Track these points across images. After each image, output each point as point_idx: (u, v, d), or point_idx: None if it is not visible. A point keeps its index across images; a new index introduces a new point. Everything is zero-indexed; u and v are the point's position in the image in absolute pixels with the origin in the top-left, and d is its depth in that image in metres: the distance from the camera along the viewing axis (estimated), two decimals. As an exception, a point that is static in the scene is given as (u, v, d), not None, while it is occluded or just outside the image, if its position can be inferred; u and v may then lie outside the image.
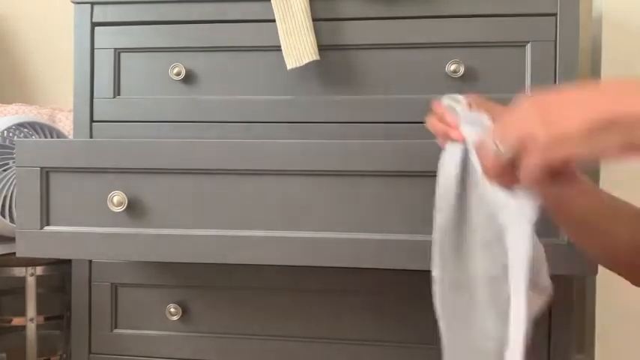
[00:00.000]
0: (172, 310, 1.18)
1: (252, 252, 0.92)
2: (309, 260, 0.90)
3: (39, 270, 1.32)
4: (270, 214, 0.92)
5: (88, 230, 0.94)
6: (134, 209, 0.94)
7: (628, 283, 0.73)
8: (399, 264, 0.88)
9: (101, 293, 1.21)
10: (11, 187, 1.27)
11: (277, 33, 1.13)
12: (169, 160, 0.93)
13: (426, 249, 0.82)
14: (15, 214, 1.28)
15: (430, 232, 0.72)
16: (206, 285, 1.18)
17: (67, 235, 0.95)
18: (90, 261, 1.21)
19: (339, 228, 0.90)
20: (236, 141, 0.92)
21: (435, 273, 0.69)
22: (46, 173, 0.96)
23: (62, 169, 0.96)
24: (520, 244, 0.56)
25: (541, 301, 0.58)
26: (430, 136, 0.91)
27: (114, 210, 0.93)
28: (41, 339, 1.36)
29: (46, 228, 0.96)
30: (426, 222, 0.79)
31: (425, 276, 0.73)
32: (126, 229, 0.94)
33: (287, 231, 0.91)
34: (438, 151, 0.72)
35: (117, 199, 0.93)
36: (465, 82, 1.12)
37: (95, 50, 1.22)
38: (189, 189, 0.93)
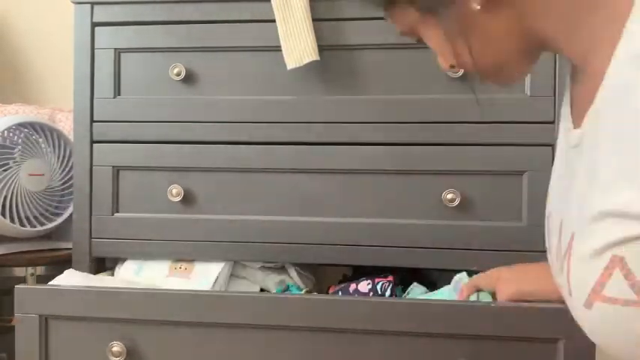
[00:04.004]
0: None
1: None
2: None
3: (39, 270, 1.32)
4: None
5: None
6: (188, 199, 1.17)
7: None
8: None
9: (101, 293, 1.22)
10: (11, 187, 1.27)
11: (277, 33, 1.13)
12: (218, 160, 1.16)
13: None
14: (15, 214, 1.28)
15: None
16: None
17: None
18: (90, 261, 1.21)
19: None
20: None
21: None
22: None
23: (130, 168, 1.19)
24: None
25: None
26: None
27: (173, 200, 1.17)
28: (41, 339, 1.36)
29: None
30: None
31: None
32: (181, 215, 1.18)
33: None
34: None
35: (175, 191, 1.17)
36: (465, 82, 1.12)
37: (95, 50, 1.22)
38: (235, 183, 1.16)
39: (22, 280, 1.32)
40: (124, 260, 1.23)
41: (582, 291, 0.54)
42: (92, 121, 1.22)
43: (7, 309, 1.54)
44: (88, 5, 1.21)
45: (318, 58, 1.11)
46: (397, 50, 1.14)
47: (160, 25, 1.20)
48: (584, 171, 0.57)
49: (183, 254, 1.19)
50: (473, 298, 0.95)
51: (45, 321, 0.98)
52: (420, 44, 0.70)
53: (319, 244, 1.14)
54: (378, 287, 1.10)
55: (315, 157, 1.15)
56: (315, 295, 1.09)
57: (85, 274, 1.18)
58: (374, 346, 0.93)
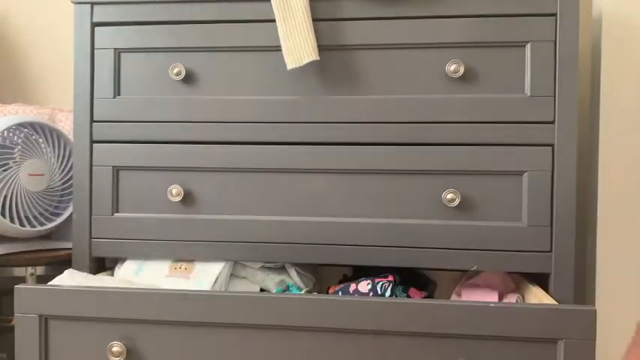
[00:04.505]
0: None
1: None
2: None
3: (39, 270, 1.32)
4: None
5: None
6: (188, 199, 1.18)
7: (628, 281, 0.73)
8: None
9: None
10: (11, 187, 1.27)
11: (277, 33, 1.13)
12: (218, 160, 1.17)
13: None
14: (15, 214, 1.28)
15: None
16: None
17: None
18: (90, 261, 1.21)
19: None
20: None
21: None
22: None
23: (130, 168, 1.19)
24: None
25: None
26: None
27: (173, 200, 1.18)
28: (41, 339, 1.36)
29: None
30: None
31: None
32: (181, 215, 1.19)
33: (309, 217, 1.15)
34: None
35: (175, 191, 1.17)
36: (465, 82, 1.12)
37: (95, 50, 1.22)
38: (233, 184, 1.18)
39: (22, 280, 1.32)
40: (123, 260, 1.24)
41: None
42: (92, 121, 1.22)
43: (7, 309, 1.54)
44: (88, 5, 1.21)
45: (318, 58, 1.11)
46: (397, 50, 1.14)
47: (159, 25, 1.20)
48: None
49: (183, 254, 1.20)
50: None
51: (45, 321, 0.98)
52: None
53: (319, 244, 1.14)
54: (378, 287, 1.10)
55: (315, 157, 1.15)
56: (315, 295, 1.09)
57: (85, 274, 1.18)
58: (374, 346, 0.93)
